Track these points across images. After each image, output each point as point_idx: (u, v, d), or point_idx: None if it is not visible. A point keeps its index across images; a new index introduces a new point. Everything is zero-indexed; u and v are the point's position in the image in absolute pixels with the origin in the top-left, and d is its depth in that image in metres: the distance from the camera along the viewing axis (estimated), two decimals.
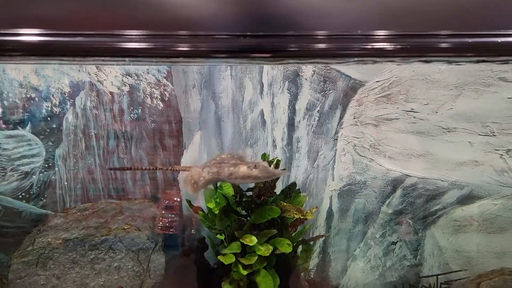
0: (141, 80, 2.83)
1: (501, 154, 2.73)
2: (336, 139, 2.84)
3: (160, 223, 2.38)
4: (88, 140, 2.85)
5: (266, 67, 2.82)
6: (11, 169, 2.81)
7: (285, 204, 1.99)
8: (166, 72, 2.84)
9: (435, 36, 1.54)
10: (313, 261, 2.93)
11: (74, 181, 2.84)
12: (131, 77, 2.83)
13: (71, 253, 2.23)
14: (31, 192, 2.80)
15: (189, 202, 2.26)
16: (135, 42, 1.53)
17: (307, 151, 2.87)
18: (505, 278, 2.27)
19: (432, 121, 2.77)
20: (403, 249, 2.89)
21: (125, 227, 2.29)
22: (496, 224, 2.79)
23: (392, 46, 1.59)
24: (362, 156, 2.85)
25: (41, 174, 2.85)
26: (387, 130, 2.81)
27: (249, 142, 2.87)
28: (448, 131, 2.77)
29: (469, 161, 2.77)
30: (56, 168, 2.85)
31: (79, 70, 2.82)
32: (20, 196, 2.80)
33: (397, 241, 2.88)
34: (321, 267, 2.92)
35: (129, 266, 2.28)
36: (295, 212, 1.94)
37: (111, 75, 2.83)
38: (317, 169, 2.88)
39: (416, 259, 2.88)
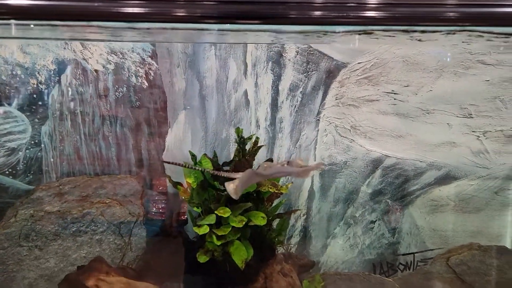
0: (126, 59, 2.81)
1: (478, 136, 2.76)
2: (318, 119, 2.85)
3: (153, 208, 2.40)
4: (74, 118, 2.85)
5: (250, 47, 2.82)
6: None
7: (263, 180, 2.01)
8: (151, 51, 2.82)
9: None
10: (294, 239, 2.97)
11: (60, 158, 2.85)
12: (116, 55, 2.81)
13: (53, 226, 2.24)
14: (18, 168, 2.80)
15: (169, 177, 2.28)
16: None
17: (290, 131, 2.87)
18: (473, 252, 2.31)
19: (411, 103, 2.78)
20: (382, 227, 2.92)
21: (107, 201, 2.30)
22: (471, 204, 2.82)
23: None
24: (343, 136, 2.86)
25: (27, 151, 2.84)
26: (368, 111, 2.82)
27: (233, 122, 2.86)
28: (427, 113, 2.78)
29: (447, 143, 2.79)
30: (42, 145, 2.84)
31: (65, 48, 2.80)
32: (7, 172, 2.80)
33: (376, 220, 2.92)
34: (302, 245, 2.96)
35: (111, 239, 2.30)
36: (270, 187, 1.96)
37: (96, 53, 2.81)
38: (299, 149, 2.89)
39: (394, 238, 2.91)
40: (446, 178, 2.82)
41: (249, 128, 2.86)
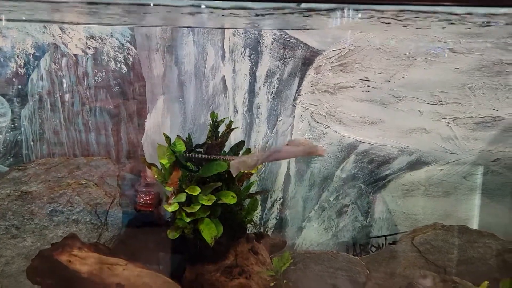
0: (105, 44, 2.83)
1: (448, 122, 2.81)
2: (295, 106, 2.89)
3: (141, 200, 2.41)
4: (53, 102, 2.86)
5: (228, 34, 2.85)
6: None
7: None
8: (129, 36, 2.84)
9: None
10: (271, 222, 3.02)
11: (40, 142, 2.86)
12: (95, 40, 2.82)
13: (29, 205, 2.26)
14: None
15: (143, 159, 2.31)
16: None
17: (267, 117, 2.91)
18: (436, 232, 2.37)
19: (384, 90, 2.82)
20: (355, 211, 2.99)
21: (83, 182, 2.32)
22: (441, 188, 2.88)
23: None
24: (318, 122, 2.90)
25: (7, 134, 2.86)
26: (342, 98, 2.86)
27: (211, 107, 2.90)
28: (399, 100, 2.83)
29: (418, 129, 2.85)
30: (22, 128, 2.85)
31: (44, 32, 2.81)
32: None
33: (350, 204, 2.98)
34: (278, 227, 3.01)
35: (87, 219, 2.33)
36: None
37: (76, 38, 2.81)
38: (276, 134, 2.93)
39: (366, 221, 2.98)
40: (417, 164, 2.88)
41: (227, 114, 2.89)
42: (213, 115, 2.12)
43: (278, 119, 2.90)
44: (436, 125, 2.82)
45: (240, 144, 2.19)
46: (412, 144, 2.86)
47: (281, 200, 2.99)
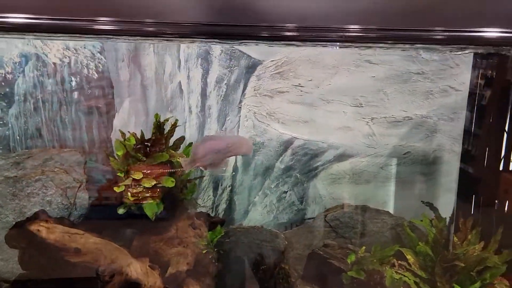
0: (79, 54, 3.27)
1: (367, 122, 3.24)
2: (240, 107, 3.31)
3: (129, 193, 2.79)
4: (36, 102, 3.30)
5: (183, 46, 3.28)
6: None
7: (172, 151, 2.50)
8: (100, 48, 3.28)
9: None
10: (221, 206, 3.47)
11: (25, 136, 3.30)
12: (70, 50, 3.26)
13: (11, 188, 2.69)
14: None
15: (105, 151, 2.77)
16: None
17: (217, 117, 3.33)
18: (344, 211, 2.82)
19: (314, 94, 3.21)
20: (292, 197, 3.42)
21: (55, 170, 2.76)
22: (362, 177, 3.31)
23: None
24: (260, 121, 3.33)
25: None
26: (280, 101, 3.28)
27: (169, 108, 3.32)
28: (327, 102, 3.25)
29: (343, 127, 3.26)
30: (10, 125, 3.29)
31: (28, 44, 3.24)
32: None
33: (288, 191, 3.42)
34: (228, 211, 3.45)
35: (59, 201, 2.76)
36: (178, 158, 2.45)
37: (54, 49, 3.25)
38: (225, 131, 3.36)
39: (302, 205, 3.42)
40: (343, 156, 3.30)
41: (183, 114, 3.32)
42: (156, 116, 2.56)
43: (227, 118, 3.33)
44: (357, 124, 3.24)
45: (181, 139, 2.64)
46: (338, 140, 3.28)
47: (230, 187, 3.43)
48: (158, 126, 2.52)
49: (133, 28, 1.89)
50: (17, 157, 2.76)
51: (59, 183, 2.75)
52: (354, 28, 1.87)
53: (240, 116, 3.32)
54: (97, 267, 2.25)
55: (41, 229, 2.29)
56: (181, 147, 2.63)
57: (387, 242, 2.62)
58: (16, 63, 3.23)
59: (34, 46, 3.23)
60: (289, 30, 1.89)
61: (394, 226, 2.70)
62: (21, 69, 3.24)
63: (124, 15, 1.89)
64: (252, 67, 3.24)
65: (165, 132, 2.60)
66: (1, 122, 3.28)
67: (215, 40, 2.44)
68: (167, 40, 2.73)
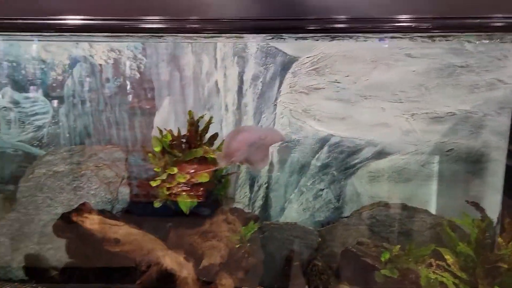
0: (122, 55, 3.43)
1: (407, 118, 3.13)
2: (276, 104, 3.31)
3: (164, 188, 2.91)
4: (84, 102, 3.50)
5: (219, 45, 3.34)
6: (28, 123, 3.49)
7: (206, 147, 2.55)
8: (141, 49, 3.41)
9: None
10: (258, 203, 3.49)
11: (74, 133, 3.51)
12: (114, 52, 3.43)
13: (59, 182, 2.88)
14: (43, 141, 3.47)
15: (144, 147, 2.88)
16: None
17: (253, 114, 3.36)
18: (380, 208, 2.73)
19: (352, 90, 3.15)
20: (329, 195, 3.38)
21: (99, 165, 2.92)
22: (402, 175, 3.20)
23: None
24: (296, 118, 3.31)
25: (49, 128, 3.53)
26: (316, 97, 3.24)
27: (206, 107, 3.40)
28: (365, 98, 3.18)
29: (382, 124, 3.16)
30: (60, 123, 3.52)
31: (76, 47, 3.45)
32: (35, 144, 3.49)
33: (324, 188, 3.38)
34: (264, 208, 3.47)
35: (103, 194, 2.91)
36: (211, 154, 2.50)
37: (100, 51, 3.43)
38: None
39: (339, 203, 3.36)
40: (381, 153, 3.21)
41: (220, 112, 3.38)
42: (190, 113, 2.63)
43: (262, 116, 3.35)
44: (396, 120, 3.13)
45: (215, 135, 2.69)
46: (377, 137, 3.20)
47: (266, 184, 3.44)
48: (192, 123, 2.58)
49: (186, 26, 1.96)
50: (64, 153, 2.94)
51: (102, 178, 2.90)
52: (406, 18, 1.80)
53: (275, 114, 3.32)
54: (135, 257, 2.35)
55: (84, 220, 2.42)
56: (215, 144, 2.68)
57: (425, 242, 2.52)
58: (65, 65, 3.44)
59: (82, 48, 3.42)
60: (338, 22, 1.86)
61: (433, 225, 2.59)
62: (70, 71, 3.44)
63: (171, 13, 1.97)
64: (287, 64, 3.23)
65: (199, 129, 2.65)
66: (54, 121, 3.51)
67: (272, 34, 2.42)
68: (216, 36, 2.76)
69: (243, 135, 2.32)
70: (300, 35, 2.66)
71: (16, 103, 3.44)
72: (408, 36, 2.82)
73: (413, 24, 1.82)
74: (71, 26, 2.01)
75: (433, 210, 3.07)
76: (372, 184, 3.26)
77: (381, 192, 3.25)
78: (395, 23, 1.83)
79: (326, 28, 1.87)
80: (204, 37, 2.97)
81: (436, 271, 2.13)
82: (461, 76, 2.97)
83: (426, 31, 1.89)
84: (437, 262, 2.21)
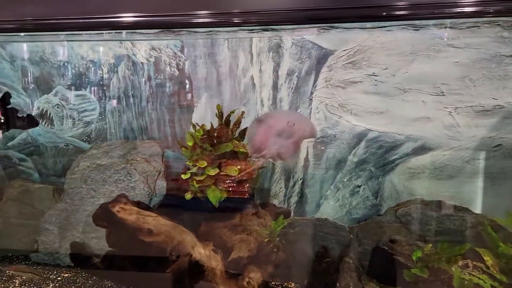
0: (162, 53, 3.55)
1: (450, 111, 2.96)
2: (311, 99, 3.27)
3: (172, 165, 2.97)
4: (128, 99, 3.67)
5: (255, 40, 3.35)
6: (78, 119, 3.74)
7: (236, 142, 2.58)
8: (179, 46, 3.51)
9: None
10: (293, 199, 3.46)
11: (119, 129, 3.70)
12: (155, 50, 3.56)
13: (102, 174, 3.04)
14: (91, 137, 3.70)
15: (178, 142, 2.96)
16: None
17: (288, 109, 3.36)
18: (416, 206, 2.59)
19: (390, 83, 3.04)
20: (366, 191, 3.28)
21: (138, 159, 3.04)
22: (445, 172, 3.03)
23: None
24: (332, 113, 3.25)
25: (97, 124, 3.75)
26: (353, 91, 3.16)
27: (242, 102, 3.43)
28: (404, 92, 3.05)
29: (422, 118, 3.02)
30: (107, 120, 3.72)
31: (120, 46, 3.62)
32: (84, 139, 3.72)
33: (361, 185, 3.29)
34: (299, 204, 3.44)
35: (141, 187, 3.03)
36: (241, 148, 2.51)
37: (142, 49, 3.58)
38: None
39: (377, 200, 3.26)
40: (422, 149, 3.06)
41: (255, 107, 3.39)
42: (218, 107, 2.67)
43: (298, 111, 3.32)
44: (438, 114, 2.97)
45: (244, 130, 2.71)
46: (417, 132, 3.05)
47: (302, 180, 3.41)
48: (221, 117, 2.61)
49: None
50: (106, 147, 3.10)
51: (141, 171, 3.02)
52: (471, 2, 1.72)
53: (311, 108, 3.28)
54: (166, 247, 2.43)
55: (120, 210, 2.54)
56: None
57: (463, 241, 2.37)
58: (111, 64, 3.62)
59: (125, 48, 3.58)
60: (400, 9, 1.82)
61: (474, 224, 2.42)
62: (115, 69, 3.62)
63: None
64: (323, 57, 3.17)
65: (230, 124, 2.68)
66: (100, 117, 3.72)
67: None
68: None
69: (268, 122, 2.29)
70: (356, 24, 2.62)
71: (67, 100, 3.68)
72: (450, 25, 2.68)
73: (478, 8, 1.73)
74: (125, 24, 2.11)
75: (478, 209, 2.87)
76: (411, 181, 3.12)
77: (422, 189, 3.11)
78: (457, 8, 1.74)
79: (388, 15, 1.83)
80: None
81: (472, 273, 1.99)
82: (509, 66, 2.75)
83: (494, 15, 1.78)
84: (474, 263, 2.07)
